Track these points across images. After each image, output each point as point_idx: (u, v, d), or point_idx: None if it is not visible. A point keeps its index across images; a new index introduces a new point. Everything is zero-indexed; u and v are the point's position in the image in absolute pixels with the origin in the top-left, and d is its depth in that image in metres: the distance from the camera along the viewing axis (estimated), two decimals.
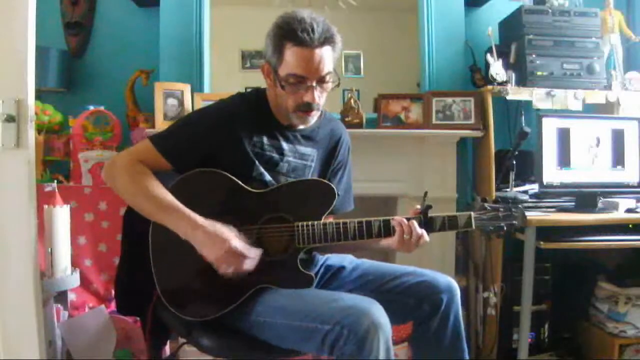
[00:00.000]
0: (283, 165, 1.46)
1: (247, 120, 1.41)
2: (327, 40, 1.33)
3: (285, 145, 1.46)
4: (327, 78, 1.37)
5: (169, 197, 1.32)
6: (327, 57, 1.34)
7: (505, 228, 1.43)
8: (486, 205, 1.44)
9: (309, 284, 1.38)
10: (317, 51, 1.32)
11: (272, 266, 1.36)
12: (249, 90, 1.53)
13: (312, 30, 1.30)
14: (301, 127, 1.47)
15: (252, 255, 1.29)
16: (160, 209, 1.31)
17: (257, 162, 1.40)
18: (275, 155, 1.44)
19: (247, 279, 1.33)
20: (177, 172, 1.39)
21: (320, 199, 1.41)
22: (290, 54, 1.32)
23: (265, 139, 1.43)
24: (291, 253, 1.38)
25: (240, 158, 1.39)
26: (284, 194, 1.41)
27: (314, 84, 1.35)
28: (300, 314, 1.25)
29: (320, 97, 1.38)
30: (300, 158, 1.49)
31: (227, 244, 1.26)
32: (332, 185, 1.43)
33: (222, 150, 1.38)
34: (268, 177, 1.42)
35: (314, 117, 1.43)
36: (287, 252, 1.38)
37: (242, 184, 1.38)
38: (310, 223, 1.37)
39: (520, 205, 1.46)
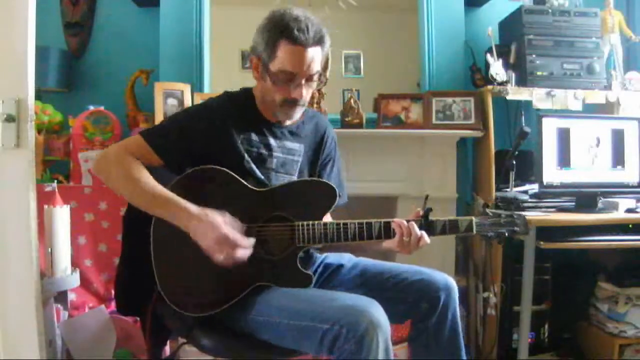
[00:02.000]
0: (272, 160, 1.47)
1: (235, 117, 1.43)
2: (319, 40, 1.37)
3: (272, 141, 1.47)
4: (315, 77, 1.41)
5: (163, 189, 1.33)
6: (317, 57, 1.38)
7: (506, 234, 1.43)
8: (488, 210, 1.46)
9: (307, 283, 1.38)
10: (310, 50, 1.36)
11: (272, 265, 1.37)
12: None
13: (307, 29, 1.34)
14: (287, 122, 1.50)
15: (245, 244, 1.28)
16: (155, 201, 1.32)
17: (246, 157, 1.42)
18: (264, 152, 1.46)
19: (246, 276, 1.33)
20: (168, 168, 1.39)
21: (321, 199, 1.42)
22: (284, 51, 1.35)
23: (253, 136, 1.45)
24: (291, 252, 1.38)
25: (229, 153, 1.41)
26: (285, 193, 1.42)
27: (303, 81, 1.38)
28: (298, 313, 1.25)
29: (307, 94, 1.43)
30: (288, 153, 1.50)
31: (218, 231, 1.25)
32: (334, 186, 1.43)
33: (211, 146, 1.40)
34: (259, 173, 1.43)
35: (298, 112, 1.46)
36: (287, 251, 1.38)
37: (245, 182, 1.38)
38: (310, 223, 1.37)
39: (522, 213, 1.46)
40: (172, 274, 1.37)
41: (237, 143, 1.42)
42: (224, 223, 1.27)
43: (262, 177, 1.44)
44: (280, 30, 1.35)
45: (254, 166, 1.43)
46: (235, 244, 1.26)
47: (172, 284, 1.36)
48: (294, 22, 1.34)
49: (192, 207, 1.29)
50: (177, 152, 1.39)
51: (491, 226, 1.43)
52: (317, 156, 1.57)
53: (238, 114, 1.44)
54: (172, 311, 1.36)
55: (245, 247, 1.28)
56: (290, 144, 1.50)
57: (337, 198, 1.42)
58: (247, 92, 1.50)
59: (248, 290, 1.35)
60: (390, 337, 1.21)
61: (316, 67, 1.39)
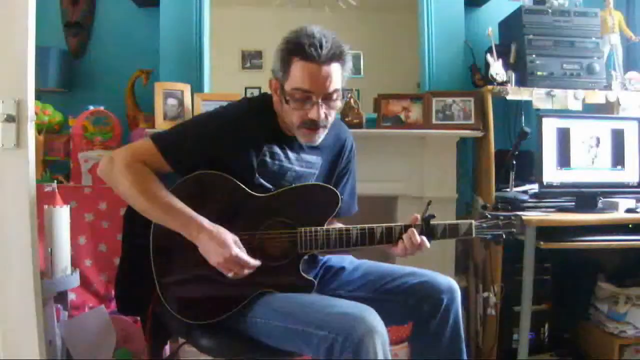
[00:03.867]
0: (290, 174, 1.45)
1: (254, 128, 1.39)
2: (336, 57, 1.31)
3: (291, 153, 1.44)
4: (334, 96, 1.35)
5: (173, 199, 1.31)
6: (335, 74, 1.32)
7: (504, 236, 1.45)
8: (487, 213, 1.47)
9: (309, 288, 1.38)
10: (325, 67, 1.30)
11: (273, 271, 1.36)
12: (255, 94, 1.53)
13: (321, 45, 1.29)
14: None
15: (252, 265, 1.30)
16: (164, 211, 1.30)
17: (257, 174, 1.39)
18: (282, 164, 1.43)
19: (248, 284, 1.33)
20: (177, 174, 1.38)
21: (323, 204, 1.41)
22: (297, 68, 1.30)
23: (271, 147, 1.41)
24: (293, 258, 1.37)
25: (242, 165, 1.38)
26: (287, 198, 1.40)
27: (320, 100, 1.32)
28: (297, 318, 1.25)
29: (328, 115, 1.36)
30: (306, 166, 1.47)
31: (229, 252, 1.26)
32: (336, 191, 1.43)
33: (224, 156, 1.37)
34: (268, 185, 1.41)
35: (320, 136, 1.39)
36: (289, 257, 1.38)
37: (246, 188, 1.37)
38: (313, 229, 1.37)
39: (519, 213, 1.48)
40: (172, 282, 1.36)
41: (252, 156, 1.38)
42: (234, 243, 1.28)
43: (273, 189, 1.42)
44: (294, 47, 1.30)
45: (263, 181, 1.40)
46: (244, 265, 1.28)
47: (173, 292, 1.36)
48: (306, 38, 1.29)
49: (204, 220, 1.29)
50: (189, 161, 1.36)
51: (490, 228, 1.44)
52: (334, 168, 1.54)
53: (256, 124, 1.40)
54: (172, 313, 1.36)
55: (251, 268, 1.30)
56: (308, 157, 1.47)
57: (340, 202, 1.41)
58: (267, 101, 1.44)
59: (249, 298, 1.34)
60: (389, 341, 1.21)
61: (334, 85, 1.32)
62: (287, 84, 1.33)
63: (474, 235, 1.42)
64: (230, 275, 1.29)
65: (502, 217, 1.45)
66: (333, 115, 1.39)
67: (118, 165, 1.33)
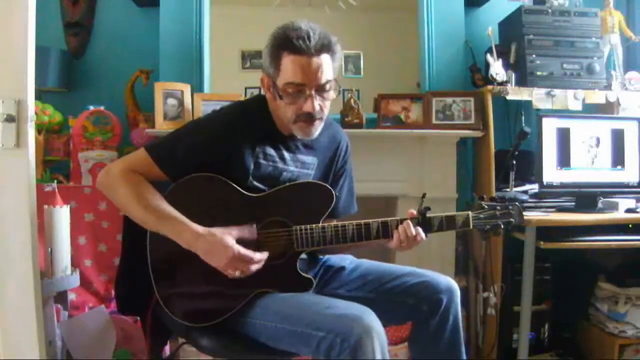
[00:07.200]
0: (286, 175, 1.44)
1: (249, 131, 1.39)
2: (325, 47, 1.31)
3: (286, 154, 1.44)
4: (327, 87, 1.34)
5: (168, 208, 1.31)
6: (325, 65, 1.31)
7: (502, 226, 1.42)
8: (483, 203, 1.44)
9: (308, 286, 1.38)
10: (315, 59, 1.30)
11: (271, 270, 1.35)
12: (249, 96, 1.52)
13: (308, 37, 1.28)
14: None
15: (257, 259, 1.29)
16: (159, 220, 1.30)
17: (251, 177, 1.39)
18: (277, 165, 1.43)
19: (246, 284, 1.33)
20: (173, 182, 1.38)
21: (318, 201, 1.41)
22: (287, 62, 1.30)
23: (267, 149, 1.41)
24: (290, 257, 1.37)
25: (237, 169, 1.38)
26: (281, 197, 1.40)
27: (313, 92, 1.32)
28: (295, 319, 1.25)
29: (323, 107, 1.35)
30: (302, 167, 1.47)
31: (231, 252, 1.26)
32: (330, 188, 1.42)
33: (219, 161, 1.36)
34: (263, 187, 1.41)
35: (317, 128, 1.38)
36: (286, 256, 1.37)
37: (240, 189, 1.37)
38: (308, 227, 1.37)
39: (517, 203, 1.46)
40: (171, 284, 1.37)
41: (247, 160, 1.38)
42: (233, 241, 1.27)
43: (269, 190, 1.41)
44: (282, 42, 1.30)
45: (257, 184, 1.40)
46: (249, 261, 1.28)
47: (171, 295, 1.36)
48: (294, 32, 1.29)
49: (198, 227, 1.29)
50: (184, 169, 1.36)
51: (487, 219, 1.42)
52: (330, 169, 1.54)
53: (251, 127, 1.39)
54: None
55: (258, 262, 1.30)
56: (304, 157, 1.47)
57: (334, 199, 1.41)
58: (260, 102, 1.44)
59: (248, 298, 1.34)
60: (387, 341, 1.21)
61: (326, 76, 1.31)
62: (279, 79, 1.32)
63: (471, 226, 1.40)
64: (237, 274, 1.28)
65: (499, 207, 1.43)
66: (327, 107, 1.38)
67: (114, 176, 1.34)
